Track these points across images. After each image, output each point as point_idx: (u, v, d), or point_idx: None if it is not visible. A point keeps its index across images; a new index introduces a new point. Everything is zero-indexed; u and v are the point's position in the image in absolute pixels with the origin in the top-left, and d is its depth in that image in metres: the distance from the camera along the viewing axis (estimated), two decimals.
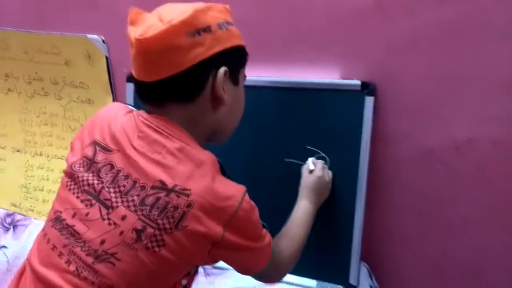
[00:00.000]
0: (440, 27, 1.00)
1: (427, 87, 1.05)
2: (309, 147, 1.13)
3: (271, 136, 1.16)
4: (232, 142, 1.20)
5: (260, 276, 0.86)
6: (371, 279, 1.22)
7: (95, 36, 1.30)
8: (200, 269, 1.26)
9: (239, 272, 0.83)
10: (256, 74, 1.17)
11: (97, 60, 1.33)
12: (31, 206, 1.57)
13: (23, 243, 1.43)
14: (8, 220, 1.53)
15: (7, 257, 1.36)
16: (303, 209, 1.00)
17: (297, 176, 1.10)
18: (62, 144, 1.51)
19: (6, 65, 1.49)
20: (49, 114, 1.49)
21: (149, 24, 0.71)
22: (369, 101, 1.06)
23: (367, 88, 1.05)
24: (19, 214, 1.55)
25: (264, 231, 0.80)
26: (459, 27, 0.99)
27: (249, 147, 1.20)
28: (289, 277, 1.20)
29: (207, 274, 1.24)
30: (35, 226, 1.49)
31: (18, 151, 1.58)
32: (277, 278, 0.93)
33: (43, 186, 1.55)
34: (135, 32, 0.71)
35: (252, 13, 1.15)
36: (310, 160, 1.10)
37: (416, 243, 1.20)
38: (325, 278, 1.18)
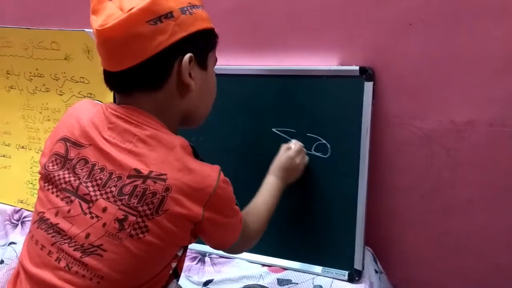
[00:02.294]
0: (436, 8, 0.99)
1: (425, 69, 1.04)
2: (310, 134, 1.13)
3: (270, 125, 1.17)
4: (231, 131, 1.21)
5: (229, 250, 0.88)
6: (376, 264, 1.23)
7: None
8: (207, 259, 1.28)
9: (213, 247, 0.85)
10: (253, 63, 1.17)
11: (96, 55, 1.31)
12: None
13: None
14: (16, 216, 1.54)
15: (16, 253, 1.37)
16: (269, 185, 1.03)
17: None
18: None
19: (7, 63, 1.49)
20: (51, 110, 1.49)
21: (110, 13, 0.70)
22: (368, 86, 1.05)
23: (365, 73, 1.05)
24: (26, 210, 1.57)
25: (237, 206, 0.82)
26: (454, 8, 0.98)
27: (249, 136, 1.20)
28: (294, 264, 1.21)
29: (213, 264, 1.26)
30: None
31: (22, 147, 1.59)
32: (243, 251, 0.96)
33: None
34: (96, 22, 0.70)
35: (247, 1, 1.14)
36: (294, 140, 1.12)
37: (419, 225, 1.21)
38: (330, 264, 1.18)
